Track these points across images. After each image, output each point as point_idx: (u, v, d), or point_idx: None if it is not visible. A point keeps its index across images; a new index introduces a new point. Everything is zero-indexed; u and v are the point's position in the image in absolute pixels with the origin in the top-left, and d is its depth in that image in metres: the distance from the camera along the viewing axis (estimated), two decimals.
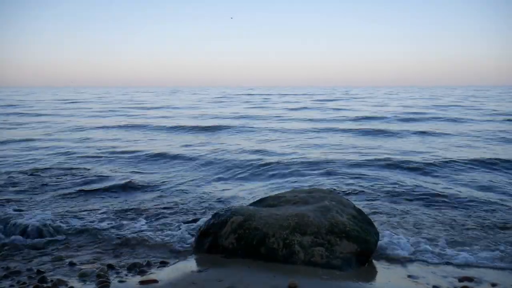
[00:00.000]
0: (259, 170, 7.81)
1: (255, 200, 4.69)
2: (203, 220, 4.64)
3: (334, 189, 6.20)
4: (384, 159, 8.44)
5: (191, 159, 8.84)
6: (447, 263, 3.74)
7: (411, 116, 18.65)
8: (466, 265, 3.70)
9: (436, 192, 6.05)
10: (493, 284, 3.32)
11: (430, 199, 5.78)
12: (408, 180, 6.89)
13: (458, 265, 3.70)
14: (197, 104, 30.91)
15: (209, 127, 14.91)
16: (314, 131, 13.83)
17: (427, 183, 6.68)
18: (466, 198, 5.78)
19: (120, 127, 15.54)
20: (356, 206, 4.26)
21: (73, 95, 53.38)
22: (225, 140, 11.91)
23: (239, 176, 7.45)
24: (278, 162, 8.31)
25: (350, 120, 17.56)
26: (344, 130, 13.97)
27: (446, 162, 8.15)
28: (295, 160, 8.60)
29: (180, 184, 6.73)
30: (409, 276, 3.46)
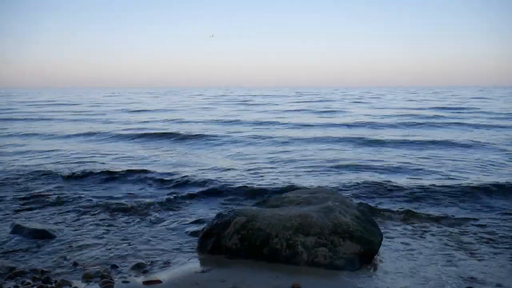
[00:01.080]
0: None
1: (259, 201, 4.69)
2: (206, 221, 4.64)
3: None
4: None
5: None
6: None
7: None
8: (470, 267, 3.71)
9: None
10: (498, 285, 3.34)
11: None
12: None
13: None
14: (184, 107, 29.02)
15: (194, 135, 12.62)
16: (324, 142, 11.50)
17: None
18: None
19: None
20: (359, 206, 4.26)
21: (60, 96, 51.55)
22: (204, 158, 9.43)
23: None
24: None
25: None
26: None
27: None
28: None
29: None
30: (412, 274, 3.47)
